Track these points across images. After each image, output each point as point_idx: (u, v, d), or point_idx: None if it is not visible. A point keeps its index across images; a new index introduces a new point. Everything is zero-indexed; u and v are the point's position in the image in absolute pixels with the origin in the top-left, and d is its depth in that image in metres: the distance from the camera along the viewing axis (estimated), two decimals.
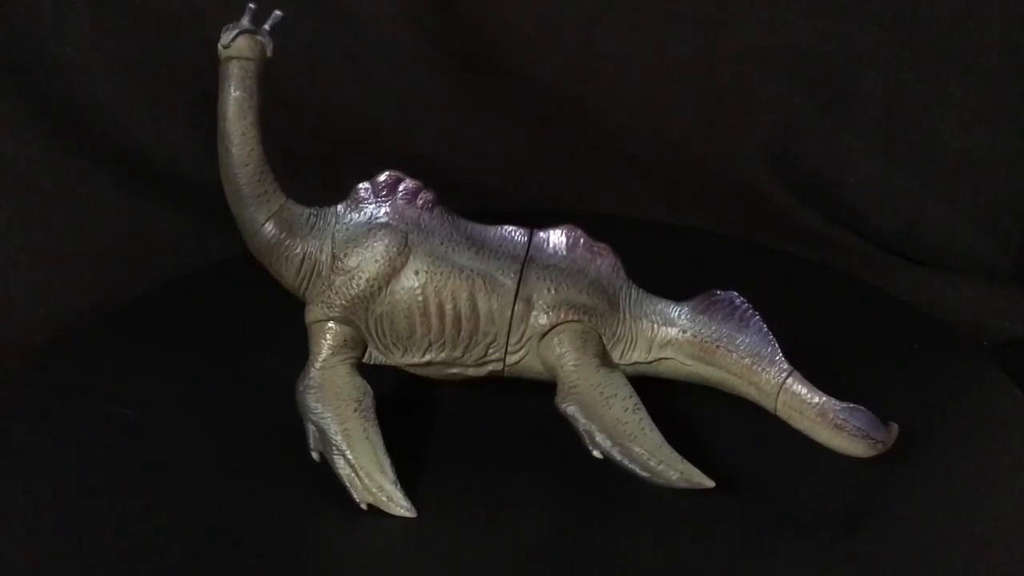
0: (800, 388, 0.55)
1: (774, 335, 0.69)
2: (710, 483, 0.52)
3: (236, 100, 0.54)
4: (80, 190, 0.85)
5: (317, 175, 0.84)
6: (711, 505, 0.54)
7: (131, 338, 0.68)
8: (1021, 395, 0.65)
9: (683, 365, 0.56)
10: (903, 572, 0.52)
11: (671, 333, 0.56)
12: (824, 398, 0.55)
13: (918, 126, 0.92)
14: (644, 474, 0.52)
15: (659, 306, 0.57)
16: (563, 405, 0.54)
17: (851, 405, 0.54)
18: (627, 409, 0.53)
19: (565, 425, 0.54)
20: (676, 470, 0.52)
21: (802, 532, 0.53)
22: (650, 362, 0.57)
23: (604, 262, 0.56)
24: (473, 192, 0.91)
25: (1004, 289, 0.85)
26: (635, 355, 0.57)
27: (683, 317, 0.56)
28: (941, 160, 0.92)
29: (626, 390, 0.54)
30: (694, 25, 0.93)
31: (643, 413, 0.53)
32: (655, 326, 0.56)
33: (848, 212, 0.93)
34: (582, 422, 0.53)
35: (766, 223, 0.92)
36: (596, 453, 0.53)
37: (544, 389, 0.56)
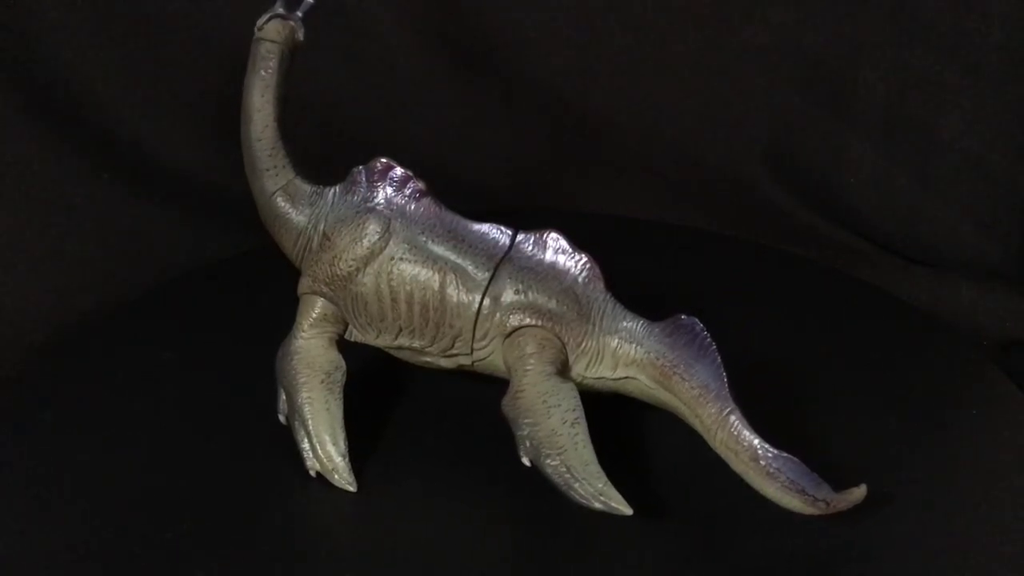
0: (737, 428, 0.51)
1: (773, 335, 0.69)
2: (628, 511, 0.50)
3: (257, 79, 0.58)
4: (80, 190, 0.85)
5: (316, 173, 0.84)
6: (653, 532, 0.53)
7: (131, 338, 0.68)
8: (1021, 395, 0.65)
9: (647, 387, 0.55)
10: None
11: (636, 353, 0.54)
12: (758, 441, 0.51)
13: (918, 126, 0.92)
14: (564, 489, 0.51)
15: (630, 324, 0.55)
16: (505, 408, 0.54)
17: (784, 454, 0.51)
18: (565, 422, 0.52)
19: None
20: (596, 490, 0.51)
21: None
22: (616, 379, 0.55)
23: (582, 272, 0.55)
24: (472, 191, 0.91)
25: (1004, 289, 0.85)
26: (602, 370, 0.55)
27: (650, 338, 0.54)
28: (941, 160, 0.92)
29: (570, 403, 0.53)
30: (694, 25, 0.94)
31: (581, 428, 0.52)
32: (622, 343, 0.55)
33: (848, 212, 0.93)
34: (519, 427, 0.53)
35: (766, 223, 0.92)
36: (525, 460, 0.52)
37: None
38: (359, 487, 0.55)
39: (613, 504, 0.50)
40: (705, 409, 0.52)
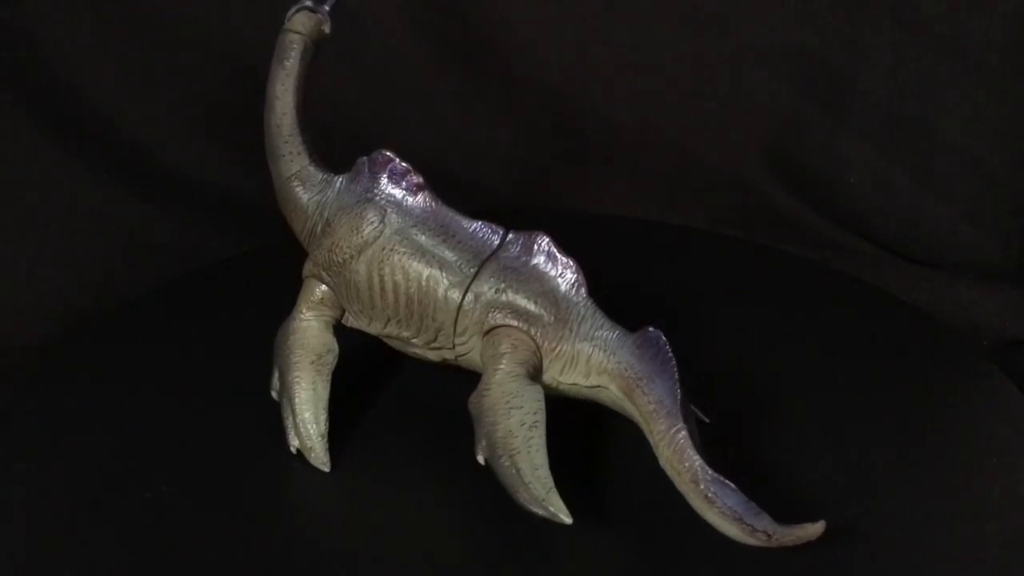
0: (682, 447, 0.50)
1: (772, 335, 0.68)
2: (567, 520, 0.50)
3: (279, 68, 0.61)
4: (80, 190, 0.85)
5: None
6: (601, 542, 0.53)
7: (131, 338, 0.68)
8: (1021, 395, 0.65)
9: (617, 398, 0.54)
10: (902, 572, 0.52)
11: (608, 362, 0.53)
12: (699, 463, 0.49)
13: (918, 126, 0.92)
14: (511, 491, 0.51)
15: (606, 333, 0.54)
16: (470, 405, 0.54)
17: (722, 479, 0.49)
18: (523, 424, 0.52)
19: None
20: (540, 496, 0.50)
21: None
22: (590, 387, 0.55)
23: (565, 276, 0.55)
24: (472, 192, 0.91)
25: (1004, 289, 0.85)
26: (575, 376, 0.55)
27: (622, 349, 0.53)
28: (941, 160, 0.92)
29: (532, 405, 0.52)
30: (694, 25, 0.94)
31: (537, 432, 0.52)
32: (596, 351, 0.54)
33: (848, 212, 0.93)
34: (480, 425, 0.53)
35: (766, 223, 0.92)
36: (479, 458, 0.52)
37: None
38: (336, 467, 0.56)
39: (553, 511, 0.50)
40: (656, 425, 0.51)
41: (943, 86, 0.91)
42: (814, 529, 0.48)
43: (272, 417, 0.59)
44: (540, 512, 0.50)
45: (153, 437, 0.59)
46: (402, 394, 0.63)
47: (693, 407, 0.58)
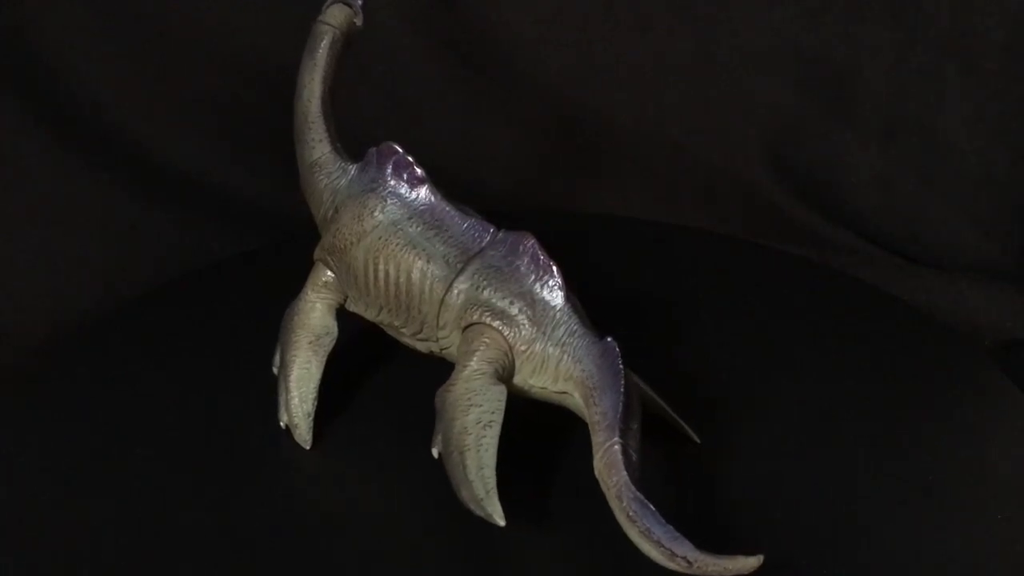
0: (612, 461, 0.49)
1: (771, 335, 0.68)
2: (500, 522, 0.50)
3: (308, 58, 0.62)
4: (80, 190, 0.85)
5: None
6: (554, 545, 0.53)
7: (131, 338, 0.68)
8: (1021, 395, 0.65)
9: (579, 405, 0.54)
10: None
11: (574, 369, 0.53)
12: (626, 480, 0.48)
13: (918, 126, 0.92)
14: (456, 487, 0.51)
15: (577, 340, 0.54)
16: (436, 399, 0.54)
17: (643, 499, 0.47)
18: (479, 422, 0.52)
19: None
20: (479, 496, 0.50)
21: None
22: (557, 392, 0.54)
23: (545, 279, 0.55)
24: (473, 192, 0.91)
25: (1005, 289, 0.85)
26: (544, 380, 0.54)
27: (588, 357, 0.53)
28: (941, 160, 0.92)
29: (492, 405, 0.52)
30: (694, 25, 0.94)
31: (491, 432, 0.51)
32: (565, 357, 0.53)
33: (848, 212, 0.93)
34: (439, 419, 0.53)
35: (766, 223, 0.93)
36: (434, 452, 0.53)
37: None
38: (321, 446, 0.58)
39: (489, 511, 0.50)
40: (597, 436, 0.51)
41: (943, 86, 0.91)
42: (746, 563, 0.45)
43: (268, 415, 0.59)
44: (477, 511, 0.50)
45: (152, 436, 0.59)
46: (396, 382, 0.63)
47: (686, 425, 0.59)
